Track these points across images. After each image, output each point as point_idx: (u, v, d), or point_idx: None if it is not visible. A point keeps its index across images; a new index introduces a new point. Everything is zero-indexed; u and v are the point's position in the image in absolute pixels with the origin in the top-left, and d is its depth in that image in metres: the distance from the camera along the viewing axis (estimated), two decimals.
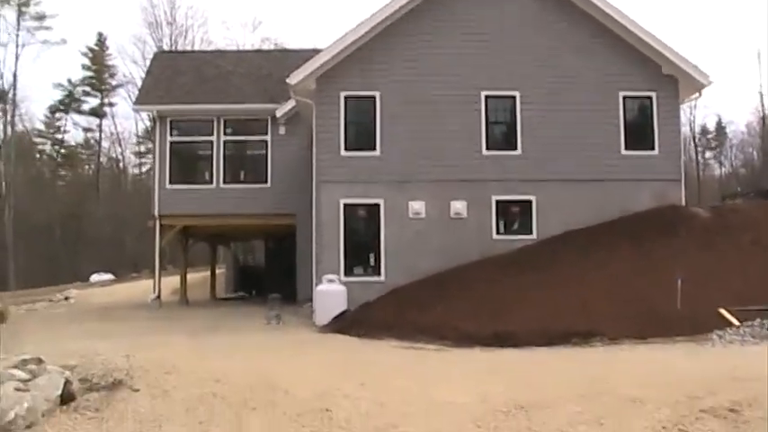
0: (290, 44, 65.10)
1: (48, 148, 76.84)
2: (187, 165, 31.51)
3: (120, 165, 77.69)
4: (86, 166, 78.59)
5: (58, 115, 75.99)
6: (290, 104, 28.52)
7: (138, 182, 76.14)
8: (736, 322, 17.00)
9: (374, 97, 24.08)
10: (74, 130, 77.37)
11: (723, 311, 17.43)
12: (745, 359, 13.03)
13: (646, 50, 24.54)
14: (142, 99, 32.33)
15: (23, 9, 66.24)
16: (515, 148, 24.16)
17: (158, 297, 31.32)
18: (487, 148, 24.10)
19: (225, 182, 30.65)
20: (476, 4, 24.60)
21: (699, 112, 73.46)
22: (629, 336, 16.67)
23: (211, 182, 30.65)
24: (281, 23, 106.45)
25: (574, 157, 24.07)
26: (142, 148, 74.94)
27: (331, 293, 21.87)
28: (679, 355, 14.75)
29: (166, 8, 67.20)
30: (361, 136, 24.15)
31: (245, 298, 37.27)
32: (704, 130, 79.08)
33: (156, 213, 30.63)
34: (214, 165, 30.66)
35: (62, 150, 76.53)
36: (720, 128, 79.77)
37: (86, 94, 76.16)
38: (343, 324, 20.58)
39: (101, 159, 76.47)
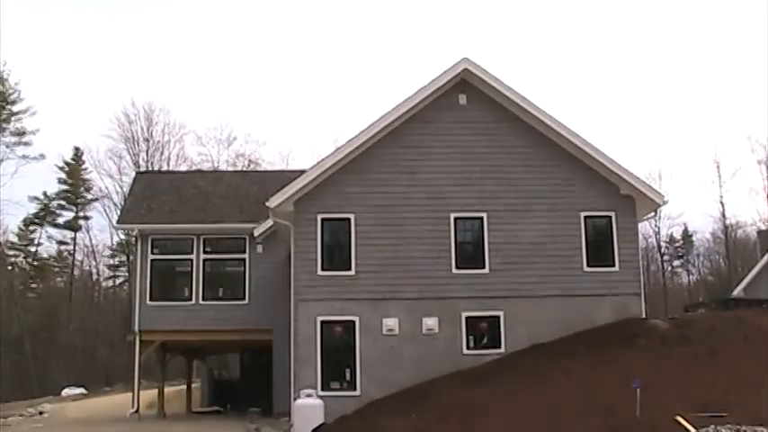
0: (263, 158, 66.95)
1: (20, 260, 77.03)
2: (167, 282, 32.53)
3: (94, 277, 77.97)
4: (59, 279, 78.72)
5: (32, 228, 76.29)
6: (268, 224, 29.62)
7: (111, 294, 76.43)
8: (692, 429, 17.95)
9: (349, 219, 25.26)
10: (47, 242, 77.73)
11: (680, 418, 18.40)
12: None
13: (604, 172, 26.06)
14: (124, 218, 33.44)
15: (4, 125, 67.32)
16: (483, 267, 25.35)
17: (137, 411, 31.89)
18: (457, 267, 25.28)
19: (204, 298, 31.69)
20: (443, 131, 26.09)
21: (665, 222, 75.16)
22: None
23: (191, 298, 31.65)
24: (254, 139, 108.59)
25: (539, 273, 25.31)
26: (115, 261, 75.44)
27: (309, 407, 22.54)
28: None
29: (143, 125, 68.66)
30: (336, 256, 25.20)
31: (221, 412, 37.68)
32: (671, 239, 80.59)
33: (137, 329, 31.46)
34: (193, 282, 31.74)
35: (35, 263, 76.68)
36: (687, 237, 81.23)
37: (61, 207, 76.69)
38: None
39: (74, 272, 76.71)
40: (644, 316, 26.22)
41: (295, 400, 23.36)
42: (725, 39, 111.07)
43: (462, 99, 26.33)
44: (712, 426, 18.00)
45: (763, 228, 66.71)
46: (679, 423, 18.24)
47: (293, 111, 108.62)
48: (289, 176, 28.51)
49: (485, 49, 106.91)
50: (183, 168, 60.92)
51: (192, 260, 31.87)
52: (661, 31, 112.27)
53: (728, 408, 18.85)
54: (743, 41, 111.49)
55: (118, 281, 76.61)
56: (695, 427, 18.00)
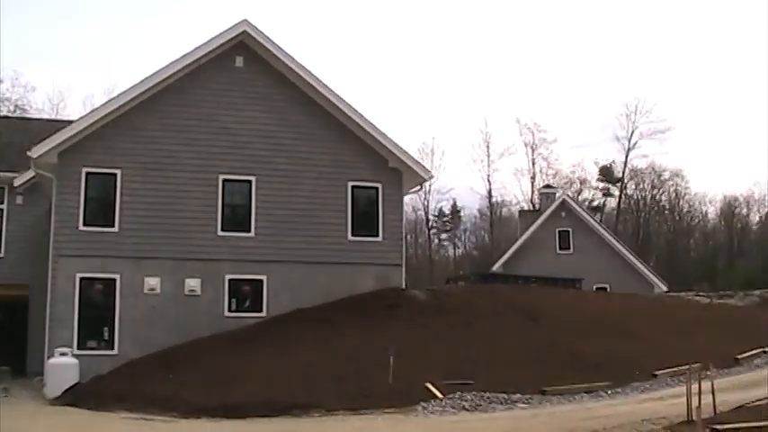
0: (32, 105, 63.48)
1: None
2: None
3: None
4: None
5: None
6: (29, 174, 28.27)
7: None
8: (440, 395, 18.91)
9: (115, 175, 24.57)
10: None
11: (429, 386, 19.32)
12: (438, 427, 14.79)
13: (374, 145, 26.75)
14: None
15: None
16: (249, 230, 25.44)
17: None
18: (223, 229, 25.21)
19: None
20: (218, 92, 25.86)
21: (434, 196, 77.96)
22: (345, 408, 18.09)
23: None
24: (23, 83, 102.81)
25: (304, 240, 25.72)
26: None
27: (63, 366, 21.99)
28: (383, 424, 16.46)
29: None
30: (100, 211, 24.48)
31: None
32: (440, 213, 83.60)
33: None
34: None
35: None
36: (455, 212, 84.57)
37: None
38: (75, 397, 20.84)
39: None
40: (404, 286, 27.18)
41: (49, 358, 22.70)
42: (495, 22, 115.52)
43: (239, 61, 26.19)
44: (458, 393, 19.08)
45: (525, 208, 70.70)
46: (429, 390, 19.18)
47: (67, 56, 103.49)
48: (56, 126, 27.36)
49: (272, 16, 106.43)
50: None
51: None
52: (440, 12, 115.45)
53: (476, 376, 20.08)
54: (514, 26, 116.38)
55: None
56: (443, 394, 18.99)
